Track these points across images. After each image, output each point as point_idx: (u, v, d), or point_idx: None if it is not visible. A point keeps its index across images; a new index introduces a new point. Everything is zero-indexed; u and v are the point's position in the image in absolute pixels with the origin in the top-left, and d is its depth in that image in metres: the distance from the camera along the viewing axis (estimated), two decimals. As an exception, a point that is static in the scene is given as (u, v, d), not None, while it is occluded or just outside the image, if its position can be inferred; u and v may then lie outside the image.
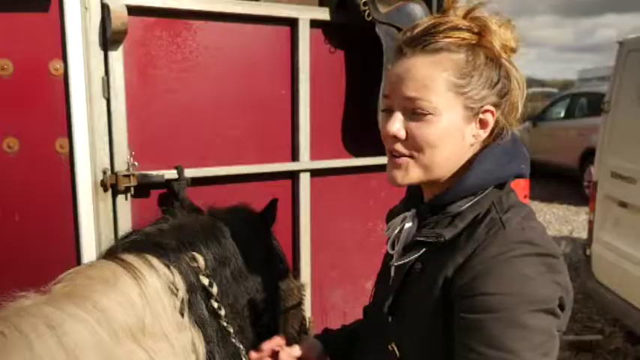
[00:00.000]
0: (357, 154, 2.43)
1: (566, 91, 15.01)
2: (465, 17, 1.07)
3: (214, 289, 1.37)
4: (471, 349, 0.93)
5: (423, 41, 1.04)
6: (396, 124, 1.06)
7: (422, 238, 1.08)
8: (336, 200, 2.44)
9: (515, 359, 0.90)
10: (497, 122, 1.09)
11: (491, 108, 1.07)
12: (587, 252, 4.42)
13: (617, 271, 4.00)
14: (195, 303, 1.34)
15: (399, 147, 1.07)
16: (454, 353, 0.97)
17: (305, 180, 2.31)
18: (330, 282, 2.48)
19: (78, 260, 1.87)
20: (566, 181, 10.64)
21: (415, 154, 1.06)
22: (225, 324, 1.40)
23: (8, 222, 1.80)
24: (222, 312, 1.39)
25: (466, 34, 1.05)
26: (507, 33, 1.07)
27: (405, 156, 1.07)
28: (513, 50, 1.09)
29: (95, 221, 1.89)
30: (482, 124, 1.08)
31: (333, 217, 2.44)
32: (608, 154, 4.27)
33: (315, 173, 2.33)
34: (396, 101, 1.06)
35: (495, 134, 1.11)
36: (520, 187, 8.16)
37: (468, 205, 1.07)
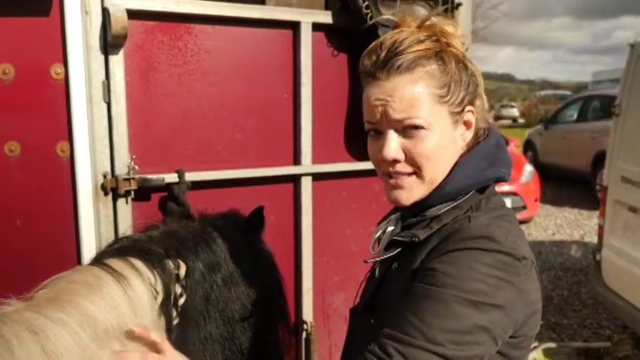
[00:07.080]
0: (360, 158, 2.40)
1: (579, 93, 14.84)
2: (419, 28, 1.08)
3: (181, 301, 1.36)
4: (399, 311, 0.99)
5: (394, 61, 1.04)
6: (393, 148, 1.06)
7: (398, 238, 1.12)
8: (339, 204, 2.43)
9: (425, 331, 0.93)
10: (476, 121, 1.13)
11: (471, 108, 1.11)
12: (597, 257, 4.37)
13: (627, 276, 3.95)
14: (167, 310, 1.32)
15: (399, 168, 1.08)
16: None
17: (307, 184, 2.30)
18: (332, 286, 2.46)
19: (79, 263, 1.88)
20: (578, 185, 10.55)
21: (418, 170, 1.08)
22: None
23: (10, 225, 1.82)
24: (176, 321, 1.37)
25: (429, 44, 1.06)
26: (459, 31, 1.11)
27: (406, 174, 1.09)
28: (465, 46, 1.13)
29: (96, 225, 1.90)
30: (467, 124, 1.12)
31: (335, 221, 2.43)
32: (619, 158, 4.22)
33: (317, 177, 2.32)
34: (384, 124, 1.07)
35: (476, 134, 1.15)
36: (531, 190, 8.16)
37: (446, 209, 1.10)
